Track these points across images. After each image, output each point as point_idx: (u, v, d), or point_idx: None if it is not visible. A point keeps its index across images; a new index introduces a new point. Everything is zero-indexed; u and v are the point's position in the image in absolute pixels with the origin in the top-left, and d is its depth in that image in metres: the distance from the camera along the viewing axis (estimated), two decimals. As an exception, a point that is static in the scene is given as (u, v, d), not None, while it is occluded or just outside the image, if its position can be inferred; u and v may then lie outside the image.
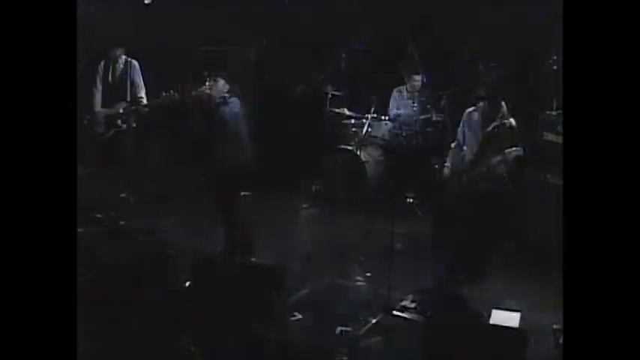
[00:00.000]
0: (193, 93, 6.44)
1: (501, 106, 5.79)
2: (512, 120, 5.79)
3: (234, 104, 6.42)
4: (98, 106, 7.95)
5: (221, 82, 6.42)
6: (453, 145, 6.14)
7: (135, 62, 7.94)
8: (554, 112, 7.03)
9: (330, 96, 8.46)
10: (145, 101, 7.86)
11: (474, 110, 5.93)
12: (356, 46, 8.54)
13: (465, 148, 6.00)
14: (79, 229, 5.17)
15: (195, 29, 9.15)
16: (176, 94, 7.15)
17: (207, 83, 6.41)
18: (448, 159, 6.28)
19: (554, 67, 7.26)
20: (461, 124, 6.07)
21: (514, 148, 5.57)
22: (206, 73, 6.53)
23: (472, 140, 5.89)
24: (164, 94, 7.26)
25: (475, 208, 5.88)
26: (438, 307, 5.89)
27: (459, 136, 6.06)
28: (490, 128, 5.75)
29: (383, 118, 8.41)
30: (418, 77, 8.25)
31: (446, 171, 6.22)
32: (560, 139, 6.55)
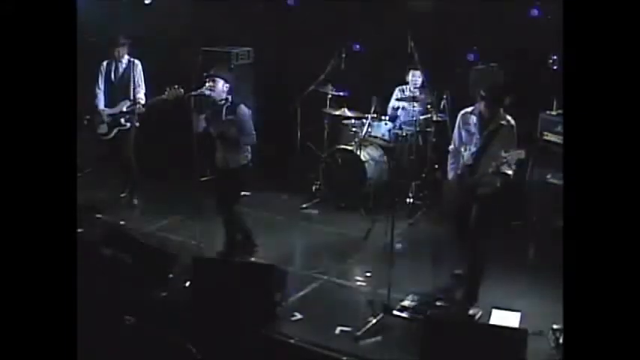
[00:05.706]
0: (194, 94, 6.41)
1: (498, 108, 5.71)
2: (511, 120, 5.73)
3: (234, 104, 6.41)
4: (101, 105, 7.96)
5: (221, 83, 6.40)
6: (450, 147, 6.06)
7: (138, 62, 7.95)
8: (554, 112, 7.02)
9: (330, 96, 8.46)
10: (143, 101, 7.86)
11: (471, 112, 5.85)
12: (356, 46, 8.52)
13: (463, 150, 5.93)
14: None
15: (196, 29, 9.15)
16: (181, 90, 7.11)
17: (206, 84, 6.40)
18: (448, 162, 6.20)
19: (555, 67, 7.26)
20: (456, 126, 5.99)
21: (516, 151, 5.50)
22: (206, 74, 6.53)
23: (470, 143, 5.83)
24: (167, 90, 7.23)
25: (476, 210, 5.86)
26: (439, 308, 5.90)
27: (456, 137, 5.98)
28: (489, 130, 5.69)
29: (383, 118, 8.42)
30: (419, 77, 8.25)
31: (450, 175, 6.10)
32: (560, 139, 6.55)
